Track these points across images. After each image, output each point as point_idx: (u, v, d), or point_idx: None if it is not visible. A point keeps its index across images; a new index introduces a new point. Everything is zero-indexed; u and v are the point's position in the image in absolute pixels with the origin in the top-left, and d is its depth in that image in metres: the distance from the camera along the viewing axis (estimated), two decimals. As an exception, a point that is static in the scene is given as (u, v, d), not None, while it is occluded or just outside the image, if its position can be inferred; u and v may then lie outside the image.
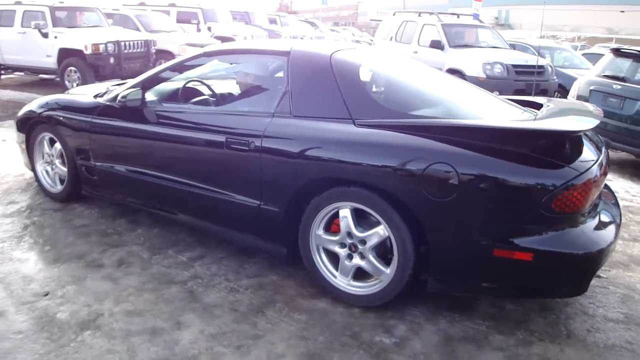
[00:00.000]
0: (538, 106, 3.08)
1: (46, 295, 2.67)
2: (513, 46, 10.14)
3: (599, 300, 2.88)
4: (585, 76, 6.29)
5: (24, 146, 4.12)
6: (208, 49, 3.32)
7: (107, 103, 3.47)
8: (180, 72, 3.39)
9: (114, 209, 3.84)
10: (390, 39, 11.18)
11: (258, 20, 16.50)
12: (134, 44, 9.02)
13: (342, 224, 2.61)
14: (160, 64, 10.82)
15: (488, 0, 23.48)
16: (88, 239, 3.38)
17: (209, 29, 13.22)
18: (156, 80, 3.37)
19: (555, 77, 8.77)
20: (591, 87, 5.89)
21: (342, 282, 2.70)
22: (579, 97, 5.95)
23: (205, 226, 3.15)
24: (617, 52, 6.07)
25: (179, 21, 12.67)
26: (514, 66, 8.47)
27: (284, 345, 2.35)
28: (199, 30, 13.25)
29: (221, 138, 2.85)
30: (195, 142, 2.98)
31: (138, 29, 10.70)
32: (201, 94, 3.51)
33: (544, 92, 8.29)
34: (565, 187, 2.25)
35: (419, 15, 10.71)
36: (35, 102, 3.99)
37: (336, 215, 2.66)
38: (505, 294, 2.58)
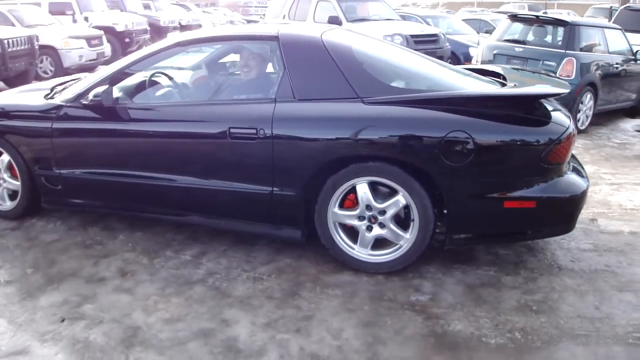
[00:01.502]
0: (496, 75, 3.41)
1: (63, 321, 2.45)
2: (403, 17, 10.72)
3: (567, 236, 3.32)
4: (486, 41, 6.94)
5: None
6: (181, 38, 3.18)
7: (69, 104, 3.17)
8: (152, 64, 3.19)
9: (78, 218, 3.56)
10: (284, 17, 11.20)
11: (131, 6, 15.48)
12: (17, 41, 8.06)
13: (361, 198, 2.73)
14: (42, 61, 9.99)
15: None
16: (69, 254, 3.12)
17: (86, 19, 12.19)
18: (124, 74, 3.16)
19: (447, 44, 9.48)
20: (495, 52, 6.53)
21: (362, 253, 2.84)
22: (484, 62, 6.57)
23: (207, 222, 3.07)
24: (514, 18, 6.78)
25: (51, 13, 11.49)
26: (412, 36, 9.00)
27: (337, 320, 2.44)
28: (75, 21, 12.15)
29: (222, 129, 2.79)
30: (191, 136, 2.89)
31: (13, 25, 9.55)
32: (186, 85, 3.35)
33: (440, 59, 8.92)
34: (557, 141, 2.60)
35: (311, -9, 10.85)
36: None
37: (350, 191, 2.77)
38: (515, 239, 2.93)
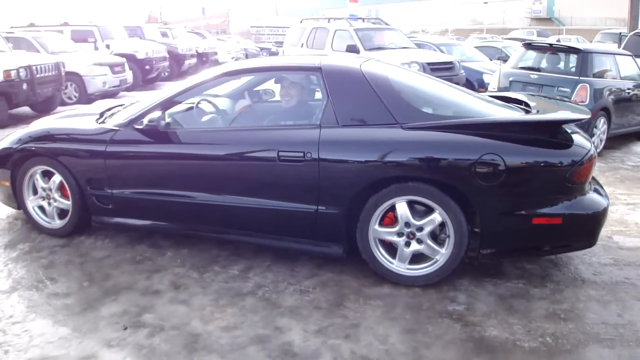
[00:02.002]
0: (517, 102, 3.66)
1: (126, 329, 2.66)
2: (418, 45, 11.08)
3: (588, 252, 3.51)
4: (502, 68, 7.22)
5: (7, 184, 3.86)
6: (228, 68, 3.46)
7: (122, 128, 3.43)
8: (200, 93, 3.47)
9: (125, 236, 3.78)
10: (302, 46, 11.59)
11: (150, 34, 16.03)
12: (45, 67, 8.44)
13: (400, 216, 2.95)
14: (67, 87, 10.35)
15: (357, -1, 24.63)
16: (121, 269, 3.33)
17: (108, 46, 12.65)
18: (175, 102, 3.43)
19: (462, 71, 9.79)
20: (510, 79, 6.81)
21: (400, 267, 3.04)
22: (500, 89, 6.83)
23: (253, 239, 3.29)
24: (528, 46, 7.07)
25: (74, 40, 11.96)
26: (429, 64, 9.31)
27: (381, 327, 2.64)
28: (96, 48, 12.62)
29: (272, 153, 3.03)
30: (242, 159, 3.13)
31: (37, 51, 9.98)
32: (232, 111, 3.61)
33: (455, 85, 9.22)
34: (581, 162, 2.83)
35: (329, 22, 11.26)
36: (14, 137, 3.79)
37: (389, 209, 2.99)
38: (542, 254, 3.13)
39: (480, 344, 2.51)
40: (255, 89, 3.73)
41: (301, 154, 2.98)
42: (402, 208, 2.95)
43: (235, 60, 22.63)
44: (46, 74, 8.50)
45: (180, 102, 3.46)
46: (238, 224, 3.29)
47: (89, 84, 10.55)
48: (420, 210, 2.97)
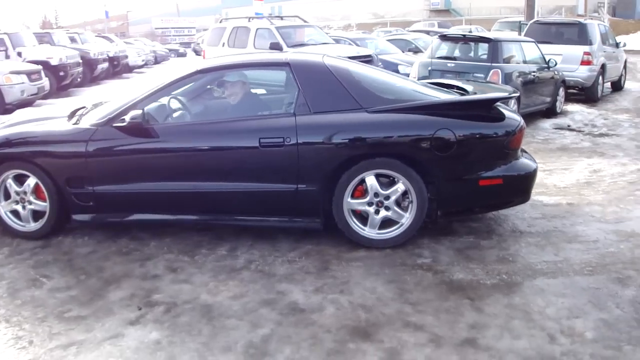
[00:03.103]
0: (450, 86, 4.24)
1: (140, 309, 2.86)
2: (336, 40, 11.63)
3: (520, 210, 4.16)
4: (419, 59, 7.92)
5: None
6: (201, 66, 3.72)
7: (99, 127, 3.56)
8: (175, 90, 3.70)
9: (103, 233, 3.87)
10: (223, 45, 11.75)
11: (59, 39, 15.38)
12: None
13: (370, 187, 3.40)
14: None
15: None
16: (113, 260, 3.48)
17: (19, 54, 12.07)
18: (152, 100, 3.63)
19: (380, 63, 10.46)
20: (429, 68, 7.51)
21: (372, 232, 3.50)
22: (420, 78, 7.51)
23: (239, 223, 3.60)
24: (444, 37, 7.83)
25: (-18, 49, 11.31)
26: (350, 58, 9.81)
27: (367, 281, 3.08)
28: (8, 57, 11.97)
29: (253, 141, 3.37)
30: (226, 148, 3.43)
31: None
32: (211, 107, 3.86)
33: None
34: (514, 131, 3.45)
35: (249, 21, 11.52)
36: None
37: (359, 183, 3.44)
38: (489, 210, 3.73)
39: (451, 285, 3.03)
40: (233, 84, 3.96)
41: (281, 139, 3.34)
42: (371, 181, 3.40)
43: (145, 63, 22.13)
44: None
45: (155, 100, 3.67)
46: (224, 209, 3.58)
47: (7, 94, 10.07)
48: (385, 182, 3.44)
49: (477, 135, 3.42)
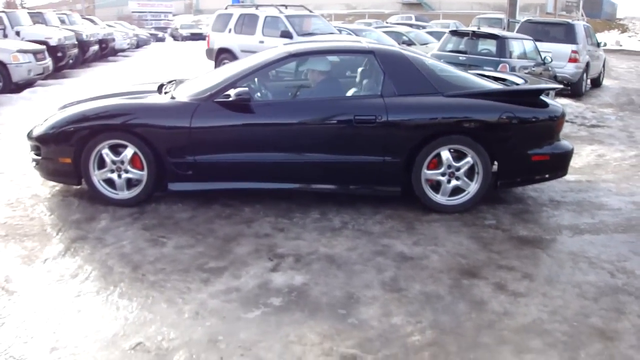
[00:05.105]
0: (497, 79, 4.91)
1: (272, 260, 3.34)
2: (340, 31, 12.19)
3: (551, 185, 4.86)
4: (432, 52, 8.59)
5: (68, 160, 4.08)
6: (293, 49, 4.25)
7: (202, 102, 3.97)
8: (270, 71, 4.21)
9: (193, 200, 4.21)
10: (229, 31, 12.11)
11: (50, 20, 15.27)
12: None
13: (445, 160, 4.03)
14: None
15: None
16: (218, 223, 3.86)
17: (18, 33, 12.05)
18: (250, 78, 4.13)
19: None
20: (441, 61, 8.15)
21: (443, 199, 4.14)
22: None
23: (327, 188, 4.15)
24: (453, 32, 8.53)
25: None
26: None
27: (453, 237, 3.73)
28: (6, 35, 11.94)
29: (348, 117, 3.93)
30: (323, 123, 3.99)
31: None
32: (305, 86, 4.38)
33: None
34: (559, 117, 4.16)
35: (257, 9, 11.91)
36: (71, 116, 4.08)
37: (434, 156, 4.05)
38: (537, 181, 4.43)
39: (520, 240, 3.72)
40: (324, 67, 4.50)
41: (373, 117, 3.92)
42: (445, 155, 4.03)
43: (129, 46, 22.02)
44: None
45: (252, 79, 4.16)
46: (316, 178, 4.13)
47: (14, 72, 10.13)
48: (454, 156, 4.07)
49: (533, 119, 4.11)
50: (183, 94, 4.17)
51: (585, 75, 10.58)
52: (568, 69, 10.14)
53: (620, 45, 27.29)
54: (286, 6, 12.14)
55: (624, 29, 32.55)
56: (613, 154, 6.34)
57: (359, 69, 4.38)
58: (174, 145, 4.01)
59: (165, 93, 4.38)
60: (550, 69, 9.10)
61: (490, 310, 2.80)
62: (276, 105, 4.10)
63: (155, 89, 4.58)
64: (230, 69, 4.33)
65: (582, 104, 9.85)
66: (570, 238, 3.77)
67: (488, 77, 4.85)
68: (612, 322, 2.71)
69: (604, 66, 12.51)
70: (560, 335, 2.59)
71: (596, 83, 12.37)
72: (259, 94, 4.19)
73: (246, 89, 3.94)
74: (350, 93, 4.27)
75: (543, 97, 4.38)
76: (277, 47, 4.54)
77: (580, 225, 4.00)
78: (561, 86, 4.45)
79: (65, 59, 13.18)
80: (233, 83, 4.05)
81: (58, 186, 4.53)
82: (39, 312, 2.71)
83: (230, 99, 3.93)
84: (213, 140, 4.05)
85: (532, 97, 4.24)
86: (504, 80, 4.76)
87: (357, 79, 4.34)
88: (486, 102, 4.06)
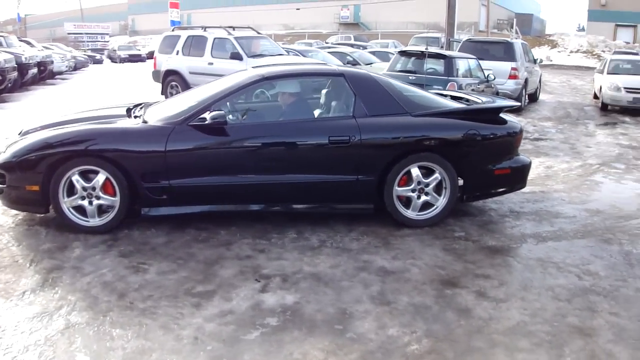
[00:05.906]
0: (458, 98, 5.20)
1: (259, 281, 3.37)
2: (287, 51, 12.37)
3: (507, 197, 5.19)
4: (382, 72, 8.90)
5: (35, 188, 3.94)
6: (266, 73, 4.34)
7: (176, 126, 3.97)
8: (242, 95, 4.28)
9: (165, 225, 4.18)
10: (177, 53, 12.01)
11: (-16, 41, 14.58)
12: None
13: (415, 177, 4.22)
14: None
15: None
16: (196, 247, 3.89)
17: (-48, 55, 11.42)
18: (223, 102, 4.16)
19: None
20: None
21: (414, 214, 4.33)
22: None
23: (301, 208, 4.24)
24: (402, 53, 8.89)
25: None
26: (311, 68, 10.65)
27: (427, 249, 3.90)
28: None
29: (323, 139, 4.06)
30: (298, 145, 4.09)
31: None
32: (278, 108, 4.45)
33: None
34: (518, 133, 4.48)
35: (204, 30, 11.91)
36: (36, 142, 3.96)
37: (404, 174, 4.24)
38: (499, 194, 4.71)
39: (490, 249, 3.95)
40: (296, 90, 4.60)
41: (347, 137, 4.06)
42: (415, 172, 4.23)
43: (68, 69, 21.32)
44: None
45: (225, 103, 4.20)
46: (290, 198, 4.21)
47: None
48: (423, 173, 4.28)
49: (494, 135, 4.39)
50: (155, 118, 4.16)
51: (524, 90, 11.28)
52: (508, 85, 10.79)
53: (551, 60, 29.07)
54: (234, 27, 12.21)
55: (553, 44, 34.79)
56: (560, 165, 6.81)
57: (330, 91, 4.52)
58: (148, 169, 3.97)
59: (136, 117, 4.34)
60: (492, 85, 9.65)
61: (477, 316, 2.97)
62: (251, 128, 4.17)
63: (123, 112, 4.53)
64: (202, 92, 4.37)
65: (522, 118, 10.48)
66: (536, 245, 4.04)
67: (446, 96, 5.13)
68: (588, 320, 2.95)
69: (540, 81, 13.38)
70: (544, 335, 2.79)
71: (533, 98, 13.19)
72: (231, 116, 4.23)
73: (222, 112, 3.99)
74: (323, 114, 4.41)
75: (502, 115, 4.69)
76: (247, 70, 4.62)
77: (542, 233, 4.29)
78: (519, 104, 4.78)
79: (5, 83, 12.60)
80: (208, 106, 4.08)
81: (20, 215, 4.36)
82: (29, 347, 2.61)
83: (207, 122, 3.96)
84: (188, 164, 4.06)
85: (492, 115, 4.53)
86: (461, 98, 5.05)
87: (329, 101, 4.48)
88: (451, 121, 4.30)
